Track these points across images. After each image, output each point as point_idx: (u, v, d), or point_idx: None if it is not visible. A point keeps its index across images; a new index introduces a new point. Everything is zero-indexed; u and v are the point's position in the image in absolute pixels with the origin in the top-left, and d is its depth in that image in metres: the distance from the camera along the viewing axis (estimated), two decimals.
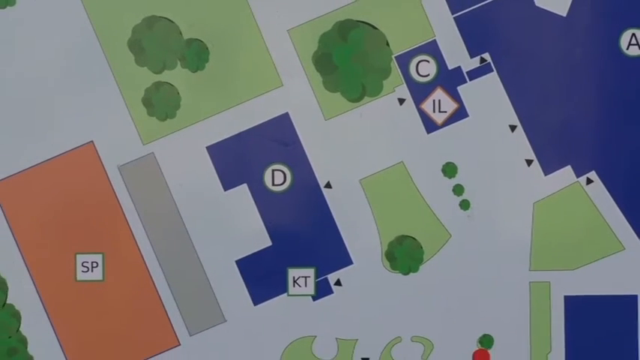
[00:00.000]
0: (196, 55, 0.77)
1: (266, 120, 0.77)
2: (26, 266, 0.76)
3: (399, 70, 0.78)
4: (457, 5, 0.77)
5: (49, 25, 0.77)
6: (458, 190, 0.77)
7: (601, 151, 0.77)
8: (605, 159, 0.77)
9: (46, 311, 0.76)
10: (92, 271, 0.76)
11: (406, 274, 0.78)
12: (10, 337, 0.75)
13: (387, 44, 0.78)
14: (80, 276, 0.77)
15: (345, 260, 0.78)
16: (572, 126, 0.77)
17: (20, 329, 0.76)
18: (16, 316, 0.76)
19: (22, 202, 0.76)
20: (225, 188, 0.78)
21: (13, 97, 0.76)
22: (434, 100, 0.77)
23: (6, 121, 0.76)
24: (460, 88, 0.78)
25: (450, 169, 0.77)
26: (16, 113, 0.76)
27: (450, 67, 0.78)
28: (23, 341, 0.77)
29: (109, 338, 0.77)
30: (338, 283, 0.79)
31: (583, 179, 0.78)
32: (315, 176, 0.79)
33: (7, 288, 0.76)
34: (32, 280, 0.76)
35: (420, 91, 0.78)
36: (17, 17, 0.77)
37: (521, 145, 0.77)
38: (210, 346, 0.77)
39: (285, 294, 0.79)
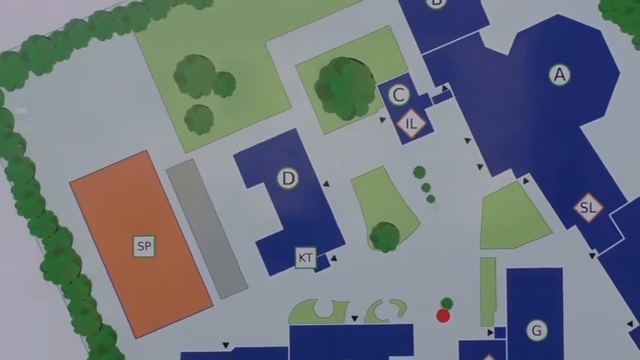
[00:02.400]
0: (226, 84, 0.83)
1: (279, 134, 0.84)
2: (96, 246, 0.84)
3: (380, 96, 0.84)
4: (425, 46, 0.83)
5: (116, 63, 0.83)
6: (425, 187, 0.84)
7: (535, 158, 0.84)
8: (538, 164, 0.84)
9: (110, 280, 0.84)
10: (146, 249, 0.84)
11: (386, 251, 0.84)
12: (83, 300, 0.83)
13: (372, 76, 0.83)
14: (137, 253, 0.84)
15: (339, 241, 0.85)
16: (512, 139, 0.84)
17: (91, 294, 0.84)
18: (88, 283, 0.84)
19: (94, 195, 0.83)
20: (248, 186, 0.84)
21: (90, 118, 0.83)
22: (407, 119, 0.84)
23: (84, 135, 0.83)
24: (427, 110, 0.84)
25: (419, 172, 0.84)
26: (92, 130, 0.83)
27: (420, 93, 0.84)
28: (93, 303, 0.84)
29: (158, 300, 0.85)
30: (334, 258, 0.85)
31: (521, 179, 0.84)
32: (316, 177, 0.84)
33: (81, 262, 0.83)
34: (100, 256, 0.84)
35: (396, 112, 0.84)
36: (92, 57, 0.82)
37: (473, 153, 0.84)
38: (235, 306, 0.84)
39: (293, 267, 0.85)
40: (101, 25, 0.82)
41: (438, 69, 0.84)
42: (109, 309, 0.85)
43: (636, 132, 0.84)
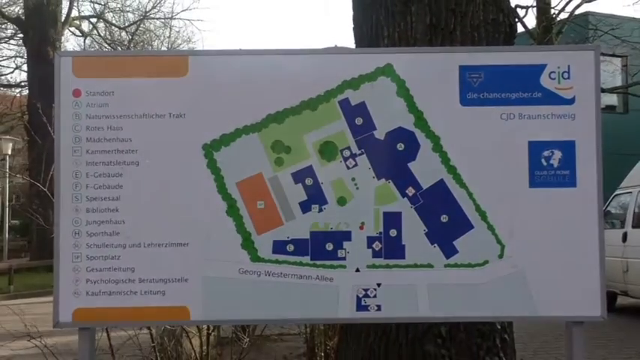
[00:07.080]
0: (288, 150, 2.31)
1: (305, 166, 2.33)
2: (244, 204, 2.31)
3: (340, 154, 2.33)
4: (356, 136, 2.33)
5: (254, 143, 2.31)
6: (356, 185, 2.33)
7: (393, 174, 2.32)
8: (396, 176, 2.32)
9: (249, 216, 2.31)
10: (261, 206, 2.32)
11: (342, 206, 2.34)
12: (240, 221, 2.31)
13: (336, 146, 2.31)
14: (258, 207, 2.32)
15: (326, 202, 2.34)
16: (386, 169, 2.32)
17: (242, 220, 2.32)
18: (241, 217, 2.32)
19: (245, 188, 2.29)
20: (295, 183, 2.33)
21: (244, 162, 2.33)
22: (349, 162, 2.33)
23: (240, 167, 2.31)
24: (356, 158, 2.33)
25: (354, 180, 2.33)
26: (243, 166, 2.31)
27: (353, 152, 2.32)
28: (243, 223, 2.31)
29: (266, 222, 2.32)
30: (326, 208, 2.33)
31: (388, 182, 2.33)
32: (319, 181, 2.31)
33: (239, 210, 2.31)
34: (246, 207, 2.31)
35: (346, 160, 2.33)
36: (249, 140, 2.31)
37: (371, 173, 2.33)
38: (292, 224, 2.32)
39: (311, 211, 2.33)
40: (249, 129, 2.36)
41: (360, 146, 2.38)
42: (249, 225, 2.37)
43: (426, 166, 2.38)
